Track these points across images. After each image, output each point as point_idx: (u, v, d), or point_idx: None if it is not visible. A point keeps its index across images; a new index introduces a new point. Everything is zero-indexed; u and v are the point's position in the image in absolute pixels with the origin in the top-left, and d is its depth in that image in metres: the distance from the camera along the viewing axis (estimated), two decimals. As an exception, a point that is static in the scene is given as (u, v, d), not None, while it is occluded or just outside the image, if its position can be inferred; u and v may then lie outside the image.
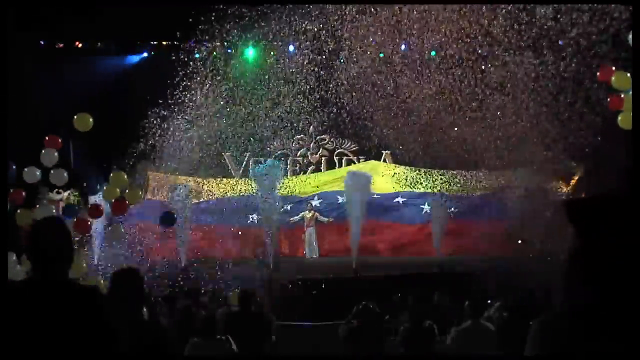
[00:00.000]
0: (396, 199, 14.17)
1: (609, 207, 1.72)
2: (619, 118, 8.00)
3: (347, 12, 11.09)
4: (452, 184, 13.27)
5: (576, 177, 11.66)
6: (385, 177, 14.40)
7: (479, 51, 10.51)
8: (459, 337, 5.20)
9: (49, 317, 2.10)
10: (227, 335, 5.06)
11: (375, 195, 13.78)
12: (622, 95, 7.93)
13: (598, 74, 8.98)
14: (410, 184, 13.98)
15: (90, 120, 10.02)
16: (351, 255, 12.37)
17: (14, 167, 8.71)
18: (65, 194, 15.62)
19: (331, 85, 12.10)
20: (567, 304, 1.86)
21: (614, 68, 8.29)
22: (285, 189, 14.08)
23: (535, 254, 9.44)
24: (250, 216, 14.04)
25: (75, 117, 10.00)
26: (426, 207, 13.69)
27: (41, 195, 15.36)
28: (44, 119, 12.93)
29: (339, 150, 16.38)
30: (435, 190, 12.98)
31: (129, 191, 10.45)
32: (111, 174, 10.60)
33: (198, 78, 12.60)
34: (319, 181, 15.15)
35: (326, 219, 14.07)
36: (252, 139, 13.33)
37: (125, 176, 10.56)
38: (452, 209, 13.06)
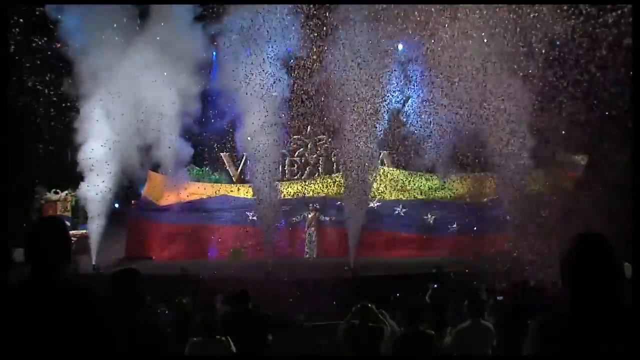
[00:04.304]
0: (396, 209, 14.23)
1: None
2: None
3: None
4: (450, 187, 13.43)
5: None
6: (380, 182, 14.31)
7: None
8: (459, 336, 5.19)
9: (45, 317, 2.10)
10: (227, 336, 5.05)
11: (375, 204, 13.82)
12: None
13: None
14: (405, 188, 14.11)
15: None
16: (350, 255, 12.39)
17: None
18: (63, 194, 15.62)
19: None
20: (566, 305, 1.89)
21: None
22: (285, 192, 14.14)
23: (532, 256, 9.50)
24: (249, 214, 14.05)
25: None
26: (429, 217, 13.76)
27: (39, 195, 15.42)
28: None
29: (336, 151, 16.34)
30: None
31: None
32: None
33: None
34: (318, 184, 15.13)
35: (328, 219, 14.08)
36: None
37: None
38: (454, 225, 13.22)
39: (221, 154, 15.95)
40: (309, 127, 15.53)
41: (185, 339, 5.11)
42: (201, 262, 13.21)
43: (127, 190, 14.68)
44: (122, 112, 12.64)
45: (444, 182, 13.72)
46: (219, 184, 15.66)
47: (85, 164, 13.04)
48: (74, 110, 13.18)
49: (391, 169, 14.89)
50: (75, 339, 2.12)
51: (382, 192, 14.10)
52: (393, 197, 14.36)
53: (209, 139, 15.66)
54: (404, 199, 14.27)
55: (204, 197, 14.89)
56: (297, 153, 16.16)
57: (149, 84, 12.55)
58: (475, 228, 12.69)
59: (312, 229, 13.97)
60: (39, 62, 13.36)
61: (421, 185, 14.18)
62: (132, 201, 15.65)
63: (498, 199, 11.85)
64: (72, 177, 13.71)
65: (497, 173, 11.50)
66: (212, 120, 15.50)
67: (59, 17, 12.81)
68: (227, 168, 16.22)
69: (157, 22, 13.28)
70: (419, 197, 14.19)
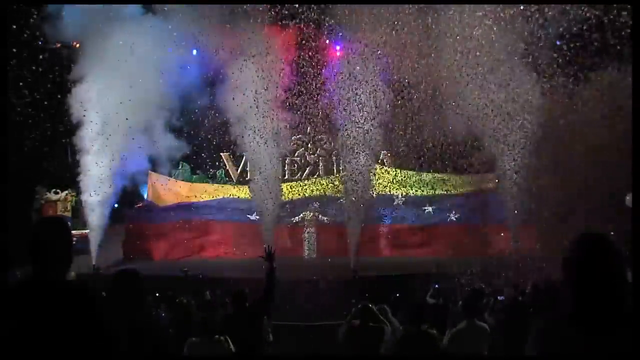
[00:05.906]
0: (396, 201, 14.20)
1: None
2: None
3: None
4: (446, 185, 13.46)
5: None
6: (382, 180, 14.35)
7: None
8: (455, 337, 5.18)
9: (45, 317, 2.09)
10: (225, 336, 5.04)
11: (374, 196, 13.81)
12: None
13: None
14: (405, 186, 14.13)
15: None
16: (350, 255, 12.37)
17: None
18: (63, 194, 15.62)
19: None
20: (569, 305, 1.89)
21: None
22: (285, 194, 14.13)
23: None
24: (249, 215, 14.04)
25: None
26: (429, 209, 13.77)
27: (39, 196, 15.42)
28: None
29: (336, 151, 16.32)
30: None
31: None
32: None
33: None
34: (319, 184, 15.12)
35: (327, 219, 14.06)
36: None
37: None
38: (453, 212, 13.28)
39: (221, 154, 15.93)
40: (309, 127, 15.51)
41: (185, 339, 5.10)
42: (201, 262, 13.20)
43: (127, 190, 14.66)
44: (122, 112, 12.59)
45: (444, 181, 13.78)
46: (219, 185, 15.64)
47: (85, 163, 13.03)
48: (74, 110, 13.17)
49: (391, 169, 14.89)
50: (76, 339, 2.11)
51: (381, 192, 14.13)
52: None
53: (209, 139, 15.63)
54: (403, 192, 14.32)
55: (205, 197, 14.87)
56: (297, 153, 16.15)
57: (149, 83, 12.53)
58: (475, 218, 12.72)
59: (312, 229, 13.95)
60: (38, 62, 13.36)
61: (421, 186, 14.21)
62: (139, 205, 15.64)
63: (498, 191, 11.89)
64: (72, 177, 13.69)
65: (499, 172, 11.52)
66: (213, 121, 15.47)
67: (57, 15, 12.82)
68: (227, 168, 16.20)
69: (157, 18, 13.28)
70: (418, 193, 14.24)
